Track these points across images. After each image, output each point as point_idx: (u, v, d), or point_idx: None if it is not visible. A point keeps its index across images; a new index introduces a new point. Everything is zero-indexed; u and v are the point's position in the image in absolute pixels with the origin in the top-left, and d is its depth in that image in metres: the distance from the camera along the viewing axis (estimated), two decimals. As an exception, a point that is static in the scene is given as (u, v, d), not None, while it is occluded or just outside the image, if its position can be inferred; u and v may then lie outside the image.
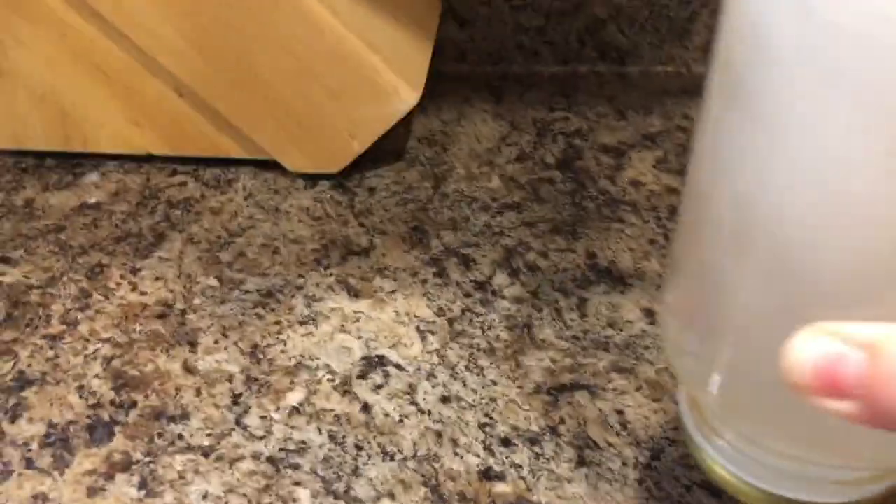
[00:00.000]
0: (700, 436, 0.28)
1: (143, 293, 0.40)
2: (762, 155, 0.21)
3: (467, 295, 0.40)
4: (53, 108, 0.46)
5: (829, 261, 0.21)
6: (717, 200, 0.23)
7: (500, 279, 0.40)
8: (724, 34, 0.22)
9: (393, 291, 0.40)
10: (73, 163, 0.48)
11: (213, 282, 0.40)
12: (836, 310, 0.20)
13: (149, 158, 0.48)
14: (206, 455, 0.33)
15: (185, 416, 0.34)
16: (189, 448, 0.33)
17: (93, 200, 0.46)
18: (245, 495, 0.31)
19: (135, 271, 0.41)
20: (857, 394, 0.16)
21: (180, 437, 0.33)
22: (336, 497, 0.31)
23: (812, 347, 0.17)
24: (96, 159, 0.48)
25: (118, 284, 0.40)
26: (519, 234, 0.43)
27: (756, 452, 0.26)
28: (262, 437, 0.33)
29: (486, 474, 0.32)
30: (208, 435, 0.33)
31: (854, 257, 0.20)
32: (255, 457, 0.32)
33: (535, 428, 0.33)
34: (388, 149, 0.50)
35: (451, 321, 0.38)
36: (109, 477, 0.32)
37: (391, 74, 0.43)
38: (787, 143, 0.21)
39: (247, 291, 0.40)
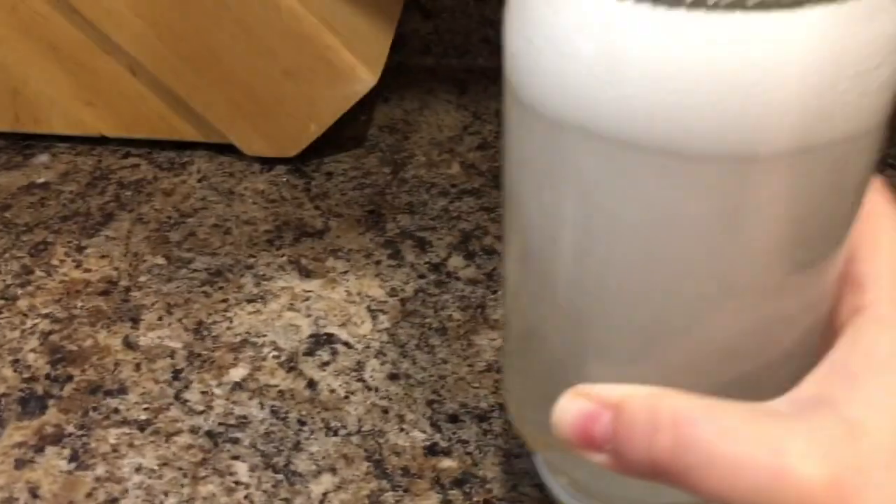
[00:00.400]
0: (546, 471, 0.28)
1: (86, 270, 0.39)
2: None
3: (421, 276, 0.39)
4: (3, 85, 0.45)
5: (603, 319, 0.21)
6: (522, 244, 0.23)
7: (456, 261, 0.40)
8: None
9: (345, 272, 0.39)
10: (24, 144, 0.47)
11: (161, 260, 0.39)
12: (616, 366, 0.22)
13: (102, 140, 0.47)
14: (142, 429, 0.31)
15: (122, 391, 0.33)
16: (125, 422, 0.32)
17: (41, 180, 0.44)
18: (180, 468, 0.30)
19: (80, 249, 0.40)
20: (606, 447, 0.19)
21: (116, 410, 0.32)
22: (275, 471, 0.30)
23: (571, 407, 0.20)
24: (48, 141, 0.47)
25: (62, 262, 0.39)
26: (477, 218, 0.42)
27: (589, 494, 0.26)
28: (201, 412, 0.32)
29: (432, 450, 0.31)
30: (145, 409, 0.32)
31: (622, 318, 0.21)
32: (193, 431, 0.31)
33: (484, 405, 0.32)
34: (348, 136, 0.49)
35: (403, 301, 0.37)
36: (39, 449, 0.31)
37: (349, 55, 0.42)
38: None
39: (195, 270, 0.39)
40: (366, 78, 0.43)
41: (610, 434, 0.19)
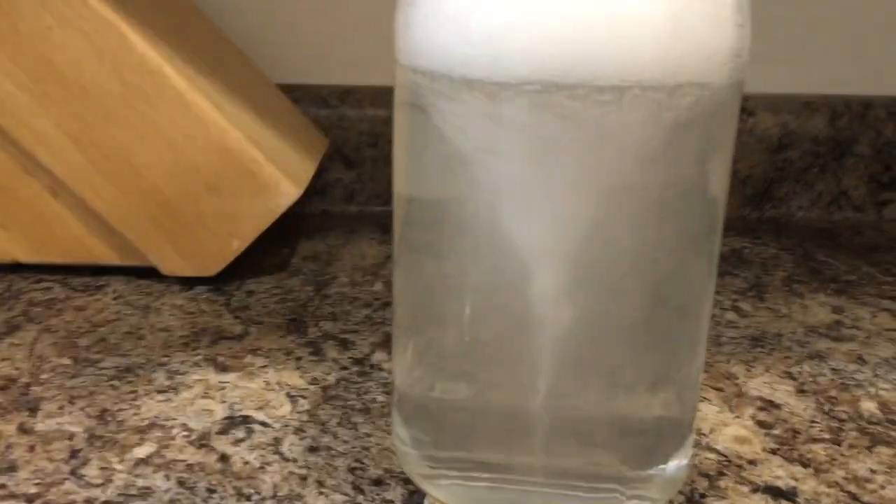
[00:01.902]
0: None
1: (-16, 370, 0.36)
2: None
3: (344, 368, 0.37)
4: (-84, 208, 0.44)
5: None
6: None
7: (380, 356, 0.39)
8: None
9: (265, 366, 0.37)
10: (-69, 271, 0.45)
11: (67, 361, 0.37)
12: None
13: (14, 267, 0.46)
14: (30, 501, 0.28)
15: (12, 469, 0.30)
16: (11, 496, 0.28)
17: (-55, 300, 0.43)
18: (69, 534, 0.27)
19: (-20, 353, 0.38)
20: None
21: (2, 486, 0.29)
22: (178, 534, 0.27)
23: None
24: (-43, 268, 0.46)
25: (-42, 364, 0.37)
26: (401, 323, 0.42)
27: None
28: (99, 485, 0.29)
29: (355, 509, 0.28)
30: (36, 484, 0.29)
31: None
32: (89, 502, 0.28)
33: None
34: (271, 264, 0.49)
35: (324, 388, 0.36)
36: None
37: (273, 169, 0.44)
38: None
39: (103, 368, 0.37)
40: (289, 191, 0.44)
41: None
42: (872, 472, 0.31)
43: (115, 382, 0.36)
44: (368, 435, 0.32)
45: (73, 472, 0.30)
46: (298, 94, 0.58)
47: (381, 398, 0.35)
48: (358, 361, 0.38)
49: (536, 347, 0.21)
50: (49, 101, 0.42)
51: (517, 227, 0.21)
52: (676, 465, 0.24)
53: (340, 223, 0.56)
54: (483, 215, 0.21)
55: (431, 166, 0.23)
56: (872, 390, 0.37)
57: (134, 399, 0.34)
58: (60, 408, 0.34)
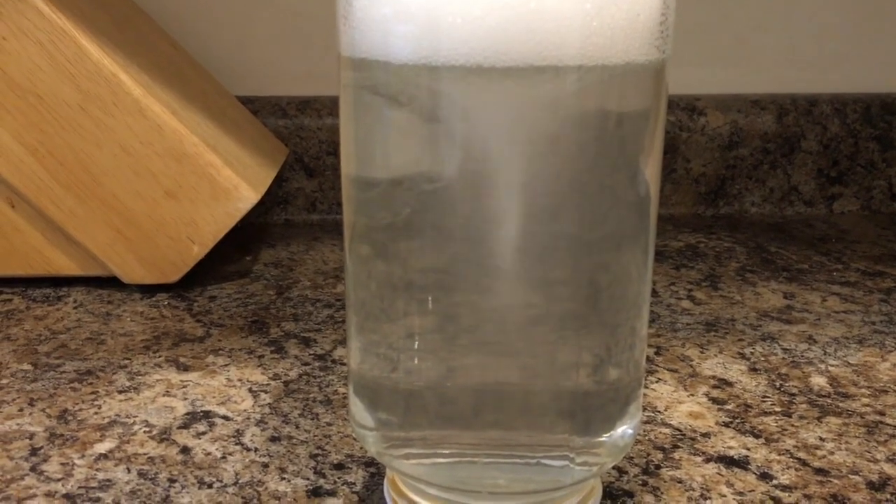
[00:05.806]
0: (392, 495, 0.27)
1: (-57, 377, 0.36)
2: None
3: (306, 364, 0.38)
4: None
5: None
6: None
7: (342, 352, 0.39)
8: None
9: (226, 365, 0.38)
10: None
11: (27, 367, 0.37)
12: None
13: (-27, 280, 0.46)
14: (-12, 497, 0.28)
15: (-30, 468, 0.30)
16: (-31, 493, 0.28)
17: None
18: (29, 526, 0.27)
19: (-62, 362, 0.37)
20: None
21: (-40, 484, 0.29)
22: (140, 521, 0.27)
23: None
24: (-86, 283, 0.45)
25: (-84, 373, 0.36)
26: (362, 321, 0.42)
27: None
28: (59, 479, 0.29)
29: (316, 492, 0.28)
30: (-5, 481, 0.29)
31: None
32: (49, 495, 0.28)
33: (371, 456, 0.31)
34: (233, 271, 0.49)
35: (286, 383, 0.36)
36: None
37: (231, 173, 0.44)
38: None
39: (63, 372, 0.37)
40: (248, 195, 0.44)
41: None
42: (822, 439, 0.32)
43: (76, 385, 0.36)
44: (330, 424, 0.33)
45: (33, 469, 0.30)
46: (257, 106, 0.58)
47: (342, 390, 0.35)
48: (320, 357, 0.38)
49: (495, 329, 0.22)
50: (5, 112, 0.42)
51: (470, 205, 0.21)
52: (621, 432, 0.25)
53: (302, 231, 0.57)
54: (437, 193, 0.22)
55: (381, 146, 0.23)
56: (822, 367, 0.38)
57: (94, 399, 0.34)
58: (20, 410, 0.34)
